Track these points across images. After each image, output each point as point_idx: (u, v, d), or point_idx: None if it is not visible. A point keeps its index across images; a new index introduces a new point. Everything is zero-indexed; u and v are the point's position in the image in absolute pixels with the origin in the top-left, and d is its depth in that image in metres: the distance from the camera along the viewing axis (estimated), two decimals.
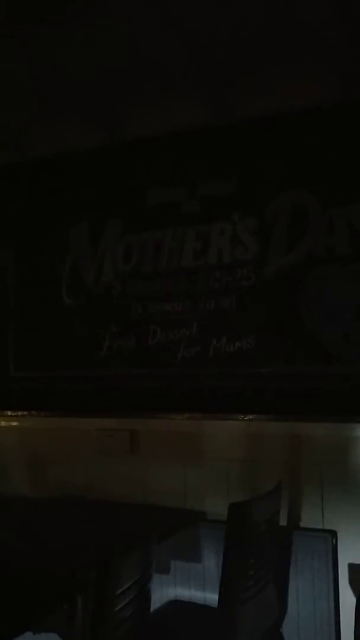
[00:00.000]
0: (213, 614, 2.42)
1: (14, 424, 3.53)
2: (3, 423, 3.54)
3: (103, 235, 3.49)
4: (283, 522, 2.73)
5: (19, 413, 3.52)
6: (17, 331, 3.72)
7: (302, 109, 3.01)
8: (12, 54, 2.54)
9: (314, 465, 2.80)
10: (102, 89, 2.88)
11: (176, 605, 2.73)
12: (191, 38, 2.47)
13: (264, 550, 2.45)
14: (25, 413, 3.50)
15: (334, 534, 2.68)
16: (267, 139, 3.14)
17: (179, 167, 3.33)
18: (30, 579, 2.09)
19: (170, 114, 3.11)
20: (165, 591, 2.86)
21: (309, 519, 2.78)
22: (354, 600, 2.61)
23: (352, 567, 2.67)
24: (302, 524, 2.79)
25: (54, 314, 3.59)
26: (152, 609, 2.16)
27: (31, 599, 1.96)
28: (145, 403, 3.26)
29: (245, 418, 2.98)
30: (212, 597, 2.65)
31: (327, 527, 2.72)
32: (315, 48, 2.54)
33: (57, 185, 3.66)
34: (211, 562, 2.81)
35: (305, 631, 2.64)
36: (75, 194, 3.61)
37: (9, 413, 3.54)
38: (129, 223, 3.44)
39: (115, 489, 3.12)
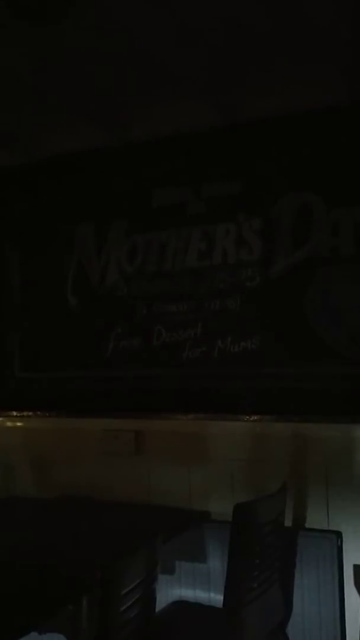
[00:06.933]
0: (218, 615, 2.42)
1: (19, 424, 3.53)
2: (8, 424, 3.55)
3: (108, 235, 3.50)
4: (288, 522, 2.72)
5: (24, 414, 3.52)
6: (22, 332, 3.73)
7: (308, 109, 3.00)
8: (17, 55, 2.54)
9: (319, 466, 2.80)
10: (108, 90, 2.88)
11: (181, 606, 2.73)
12: (197, 38, 2.46)
13: (268, 551, 2.45)
14: (30, 414, 3.51)
15: (339, 534, 2.68)
16: (273, 140, 3.14)
17: (185, 168, 3.33)
18: (36, 579, 2.10)
19: (176, 114, 3.10)
20: (170, 591, 2.86)
21: (314, 519, 2.78)
22: (359, 601, 2.61)
23: (357, 568, 2.67)
24: (307, 525, 2.79)
25: (59, 315, 3.59)
26: (157, 609, 2.16)
27: (37, 600, 1.96)
28: (150, 403, 3.26)
29: (251, 419, 2.98)
30: (217, 598, 2.65)
31: (332, 527, 2.72)
32: (322, 48, 2.53)
33: (63, 186, 3.66)
34: (216, 563, 2.81)
35: (311, 632, 2.64)
36: (80, 194, 3.61)
37: (14, 414, 3.54)
38: (134, 223, 3.44)
39: (120, 490, 3.12)
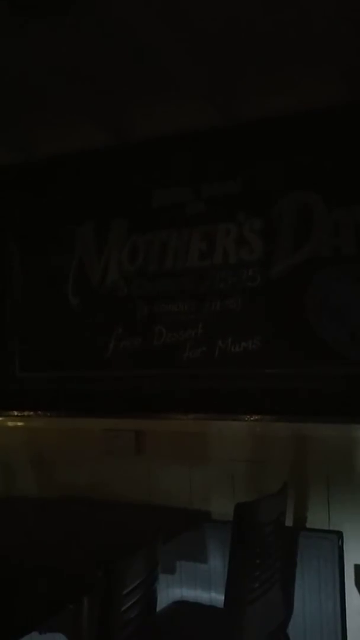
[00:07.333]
0: (219, 615, 2.42)
1: (20, 424, 3.53)
2: (9, 423, 3.54)
3: (109, 235, 3.50)
4: (289, 522, 2.72)
5: (25, 413, 3.52)
6: (23, 332, 3.73)
7: (308, 109, 3.00)
8: (18, 54, 2.54)
9: (319, 466, 2.79)
10: (108, 90, 2.88)
11: (182, 606, 2.73)
12: (197, 38, 2.46)
13: (269, 551, 2.44)
14: (31, 413, 3.51)
15: (339, 534, 2.67)
16: (273, 139, 3.14)
17: (185, 168, 3.33)
18: (36, 578, 2.09)
19: (176, 114, 3.11)
20: (171, 591, 2.86)
21: (315, 519, 2.77)
22: None
23: (358, 568, 2.66)
24: (308, 525, 2.78)
25: (60, 315, 3.60)
26: (158, 609, 2.16)
27: (37, 599, 1.96)
28: (150, 403, 3.26)
29: (251, 419, 2.98)
30: (218, 598, 2.65)
31: (333, 528, 2.71)
32: (322, 48, 2.53)
33: (63, 186, 3.67)
34: (217, 563, 2.80)
35: (311, 632, 2.63)
36: (81, 194, 3.61)
37: (15, 413, 3.54)
38: (134, 223, 3.44)
39: (121, 489, 3.11)
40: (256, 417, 2.97)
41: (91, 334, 3.50)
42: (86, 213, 3.57)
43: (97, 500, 3.13)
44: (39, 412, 3.49)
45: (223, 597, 2.32)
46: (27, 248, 3.75)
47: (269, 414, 2.97)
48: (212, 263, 3.24)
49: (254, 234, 3.15)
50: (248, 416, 2.99)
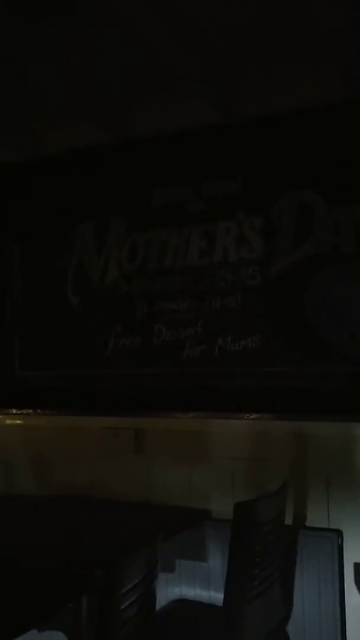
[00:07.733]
0: (218, 613, 2.42)
1: (19, 422, 3.53)
2: (8, 421, 3.55)
3: (109, 234, 3.50)
4: (288, 521, 2.72)
5: (24, 411, 3.52)
6: (23, 330, 3.73)
7: (308, 107, 3.00)
8: (19, 53, 2.54)
9: (319, 465, 2.79)
10: (108, 89, 2.88)
11: (181, 604, 2.74)
12: (197, 37, 2.46)
13: (269, 550, 2.45)
14: (30, 411, 3.51)
15: (339, 533, 2.67)
16: (273, 138, 3.14)
17: (185, 166, 3.33)
18: (36, 577, 2.10)
19: (176, 112, 3.10)
20: (170, 590, 2.87)
21: (315, 518, 2.77)
22: (359, 599, 2.61)
23: (358, 567, 2.67)
24: (307, 524, 2.79)
25: (60, 313, 3.60)
26: (157, 607, 2.16)
27: (37, 597, 1.96)
28: (150, 402, 3.26)
29: (251, 417, 2.98)
30: (217, 596, 2.65)
31: (333, 526, 2.72)
32: (322, 46, 2.53)
33: (63, 185, 3.66)
34: (216, 561, 2.81)
35: (311, 631, 2.64)
36: (81, 193, 3.61)
37: (14, 411, 3.54)
38: (134, 222, 3.44)
39: (120, 488, 3.12)
40: (256, 416, 2.98)
41: (91, 332, 3.50)
42: (86, 212, 3.57)
43: (96, 499, 3.13)
44: (39, 410, 3.49)
45: (222, 596, 2.32)
46: (27, 248, 3.76)
47: (269, 412, 2.97)
48: (212, 261, 3.24)
49: (254, 233, 3.16)
50: (248, 415, 2.99)
